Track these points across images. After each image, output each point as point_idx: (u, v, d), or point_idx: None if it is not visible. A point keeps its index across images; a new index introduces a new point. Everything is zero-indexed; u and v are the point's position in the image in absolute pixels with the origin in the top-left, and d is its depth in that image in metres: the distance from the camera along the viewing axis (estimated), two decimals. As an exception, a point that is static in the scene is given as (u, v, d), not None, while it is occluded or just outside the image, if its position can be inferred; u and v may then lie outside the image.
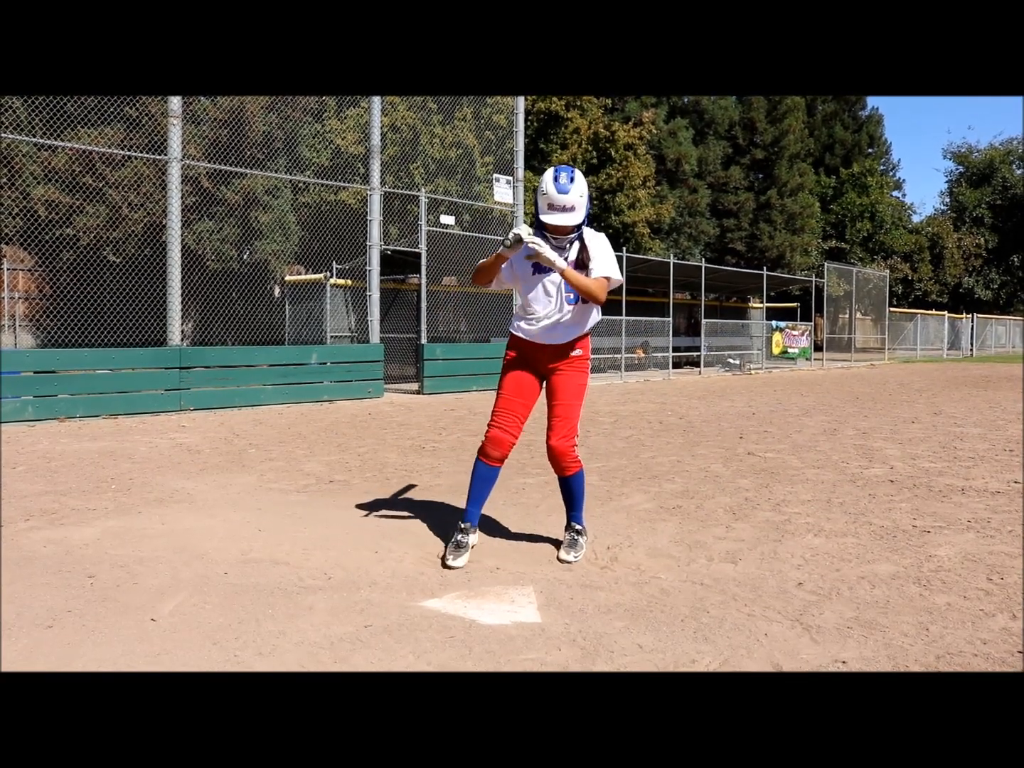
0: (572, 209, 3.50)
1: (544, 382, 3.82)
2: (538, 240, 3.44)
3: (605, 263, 3.61)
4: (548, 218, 3.50)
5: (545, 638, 2.80)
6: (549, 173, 3.54)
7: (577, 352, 3.77)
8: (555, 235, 3.55)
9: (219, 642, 2.74)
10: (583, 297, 3.61)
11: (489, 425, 3.75)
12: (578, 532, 3.84)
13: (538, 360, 3.78)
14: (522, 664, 2.59)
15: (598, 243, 3.66)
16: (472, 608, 3.09)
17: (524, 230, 3.46)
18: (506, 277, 3.77)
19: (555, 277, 3.62)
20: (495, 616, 3.01)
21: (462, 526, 3.76)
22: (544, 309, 3.70)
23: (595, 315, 3.81)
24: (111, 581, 3.37)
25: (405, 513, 4.59)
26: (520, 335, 3.77)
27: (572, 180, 3.50)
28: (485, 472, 3.78)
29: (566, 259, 3.58)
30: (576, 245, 3.64)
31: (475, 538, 3.84)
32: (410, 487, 5.35)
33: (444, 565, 3.63)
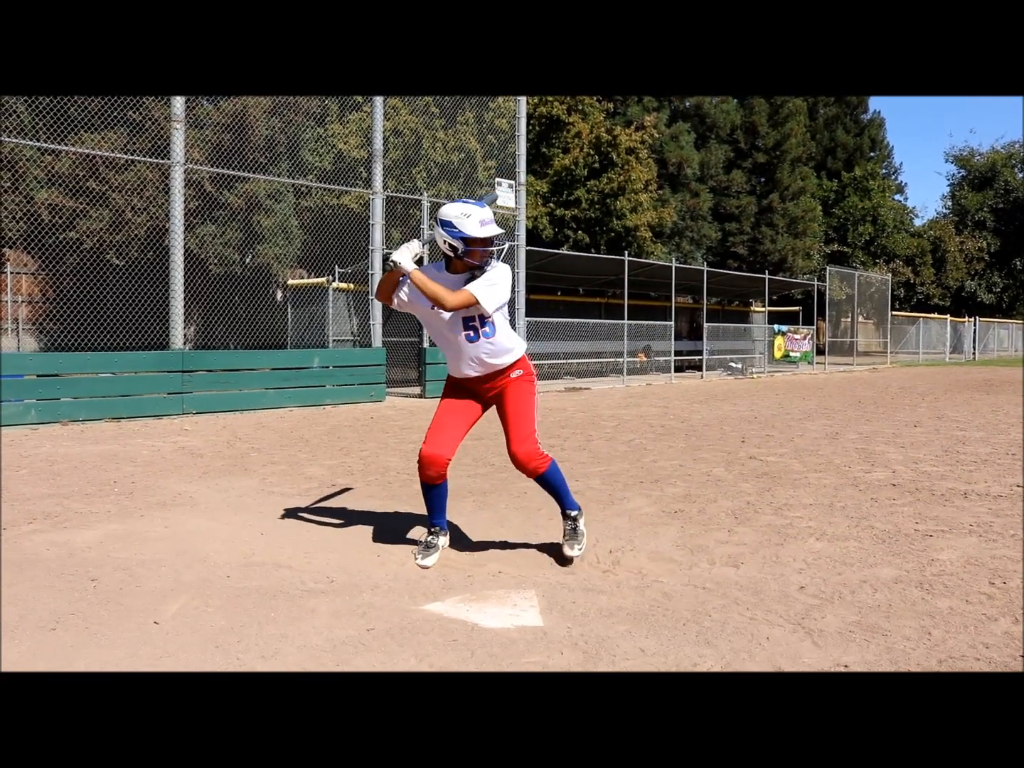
0: (493, 221, 3.58)
1: (486, 406, 3.86)
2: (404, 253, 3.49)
3: (481, 284, 3.54)
4: (491, 229, 3.51)
5: (547, 642, 2.80)
6: (459, 203, 3.56)
7: (517, 373, 3.77)
8: (489, 248, 3.56)
9: (222, 645, 2.74)
10: (433, 301, 3.53)
11: (422, 444, 3.75)
12: (574, 519, 3.82)
13: (476, 392, 3.81)
14: (524, 667, 2.59)
15: (497, 269, 3.62)
16: (474, 611, 3.10)
17: (405, 253, 3.49)
18: (406, 299, 3.72)
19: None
20: (497, 619, 3.01)
21: (432, 529, 3.88)
22: (454, 342, 3.69)
23: (515, 338, 3.79)
24: (114, 584, 3.37)
25: (407, 517, 4.60)
26: (451, 372, 3.82)
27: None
28: (431, 491, 3.84)
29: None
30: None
31: (445, 540, 3.93)
32: (412, 491, 5.35)
33: (417, 564, 3.72)
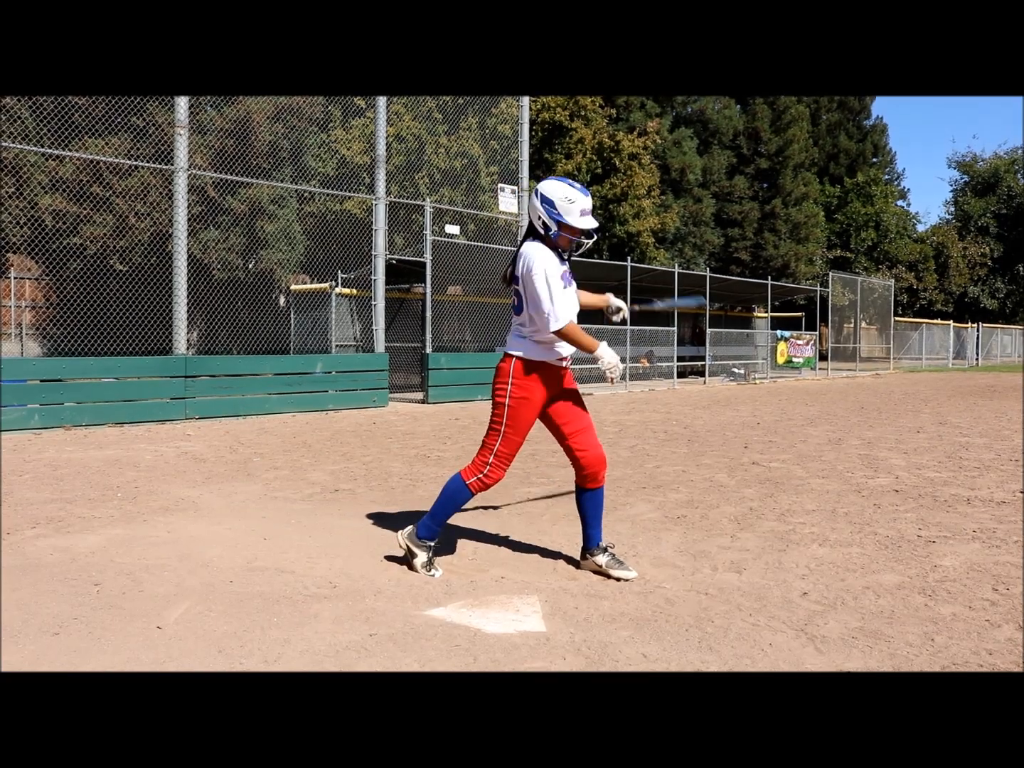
0: (591, 213, 3.52)
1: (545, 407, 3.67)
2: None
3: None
4: (588, 222, 3.48)
5: (550, 647, 2.80)
6: (564, 184, 3.48)
7: (567, 362, 3.69)
8: (581, 239, 3.51)
9: (224, 650, 2.74)
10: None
11: (494, 466, 3.59)
12: (604, 548, 3.72)
13: (557, 384, 3.64)
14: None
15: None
16: (477, 617, 3.10)
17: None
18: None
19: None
20: (500, 625, 3.01)
21: (431, 544, 3.71)
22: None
23: None
24: (117, 589, 3.37)
25: (410, 522, 4.59)
26: (554, 361, 3.58)
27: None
28: (467, 500, 3.70)
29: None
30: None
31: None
32: (415, 496, 5.35)
33: (430, 575, 3.65)
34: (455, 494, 3.67)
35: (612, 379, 3.53)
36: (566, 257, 3.60)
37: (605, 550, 3.72)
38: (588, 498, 3.74)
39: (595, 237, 3.60)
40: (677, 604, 3.26)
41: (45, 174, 12.13)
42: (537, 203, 3.49)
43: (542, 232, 3.51)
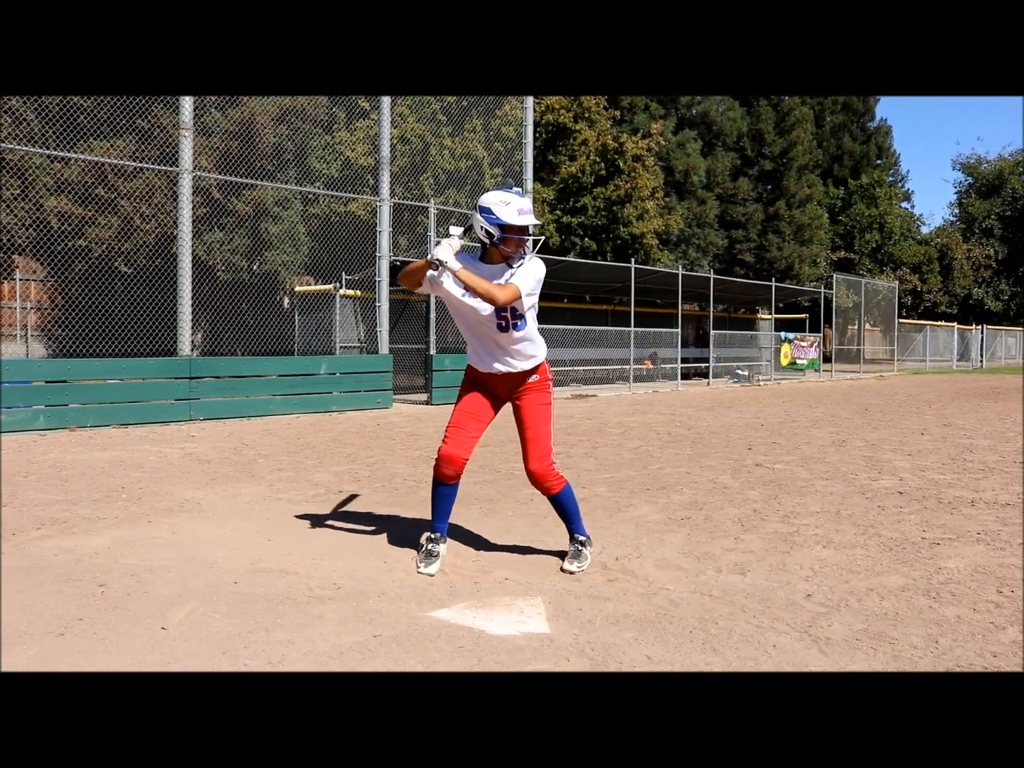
0: (531, 212, 3.60)
1: (501, 406, 3.88)
2: (446, 252, 3.42)
3: (525, 278, 3.56)
4: (527, 219, 3.53)
5: (554, 649, 2.80)
6: (499, 191, 3.57)
7: (535, 378, 3.77)
8: (524, 237, 3.57)
9: (229, 651, 2.75)
10: (484, 299, 3.52)
11: (441, 443, 3.79)
12: (581, 543, 3.87)
13: (495, 389, 3.82)
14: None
15: (531, 264, 3.63)
16: (481, 618, 3.10)
17: (448, 250, 3.42)
18: (427, 286, 3.68)
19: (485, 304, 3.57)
20: (504, 626, 3.01)
21: (432, 536, 3.88)
22: (482, 333, 3.71)
23: (540, 340, 3.80)
24: (121, 590, 3.38)
25: (414, 523, 4.60)
26: (474, 365, 3.82)
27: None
28: (444, 490, 3.86)
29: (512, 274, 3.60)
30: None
31: (444, 548, 3.90)
32: (418, 498, 5.36)
33: (418, 571, 3.72)
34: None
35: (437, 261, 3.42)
36: (513, 264, 3.60)
37: (580, 542, 3.87)
38: (552, 504, 3.92)
39: (540, 234, 3.67)
40: (681, 606, 3.26)
41: (50, 176, 12.16)
42: (478, 216, 3.56)
43: (488, 242, 3.59)
